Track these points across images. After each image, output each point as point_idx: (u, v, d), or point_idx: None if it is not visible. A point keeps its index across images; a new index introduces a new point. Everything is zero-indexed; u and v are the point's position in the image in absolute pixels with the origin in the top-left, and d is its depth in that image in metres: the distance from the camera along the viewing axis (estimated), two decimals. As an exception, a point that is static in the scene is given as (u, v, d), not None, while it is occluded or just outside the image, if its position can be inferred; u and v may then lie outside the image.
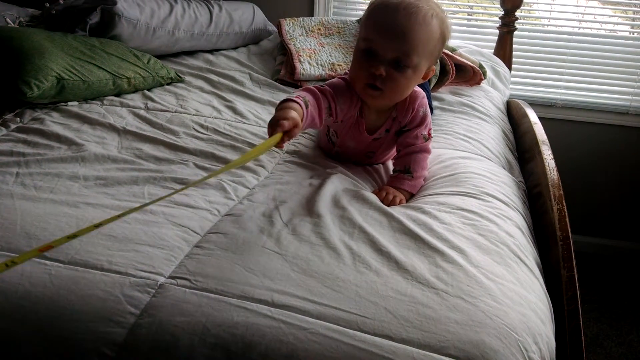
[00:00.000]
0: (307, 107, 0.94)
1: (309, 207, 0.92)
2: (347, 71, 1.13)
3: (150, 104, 1.41)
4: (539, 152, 1.26)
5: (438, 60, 1.59)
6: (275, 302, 0.68)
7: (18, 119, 1.27)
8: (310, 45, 1.76)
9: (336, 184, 1.01)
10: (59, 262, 0.73)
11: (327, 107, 1.03)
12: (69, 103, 1.37)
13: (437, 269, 0.77)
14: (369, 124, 1.10)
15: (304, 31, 1.85)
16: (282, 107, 0.92)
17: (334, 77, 1.15)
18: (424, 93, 1.11)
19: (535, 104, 2.23)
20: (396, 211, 0.93)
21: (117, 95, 1.47)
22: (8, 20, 1.58)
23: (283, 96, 1.52)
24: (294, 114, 0.88)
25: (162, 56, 1.76)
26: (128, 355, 0.64)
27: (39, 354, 0.65)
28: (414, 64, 0.99)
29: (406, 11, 0.97)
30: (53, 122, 1.24)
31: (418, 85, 1.28)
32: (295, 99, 0.93)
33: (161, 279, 0.72)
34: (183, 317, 0.66)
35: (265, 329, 0.65)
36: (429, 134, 1.11)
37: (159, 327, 0.65)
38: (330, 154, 1.18)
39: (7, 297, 0.68)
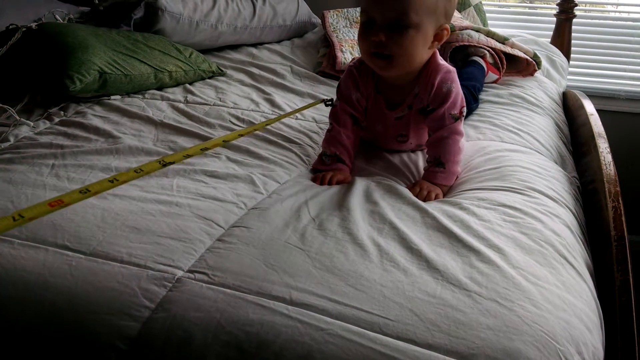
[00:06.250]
0: (348, 159, 1.05)
1: (339, 202, 0.88)
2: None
3: (190, 97, 1.41)
4: (595, 146, 1.17)
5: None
6: (293, 300, 0.65)
7: (62, 113, 1.30)
8: (353, 35, 1.72)
9: (369, 178, 0.97)
10: (81, 253, 0.73)
11: (353, 120, 1.07)
12: (112, 97, 1.39)
13: (471, 269, 0.72)
14: (389, 100, 1.06)
15: (348, 22, 1.81)
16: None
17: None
18: (452, 69, 1.04)
19: (596, 95, 2.10)
20: (432, 207, 0.88)
21: (159, 88, 1.48)
22: (57, 16, 1.63)
23: (323, 89, 1.50)
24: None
25: (206, 50, 1.77)
26: (141, 349, 0.63)
27: (56, 345, 0.64)
28: (414, 22, 0.94)
29: None
30: (94, 116, 1.26)
31: (472, 72, 1.21)
32: (337, 167, 1.03)
33: (179, 273, 0.70)
34: (198, 312, 0.64)
35: (280, 327, 0.62)
36: (461, 113, 1.04)
37: (173, 322, 0.63)
38: (367, 140, 1.15)
39: (28, 286, 0.68)
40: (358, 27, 1.78)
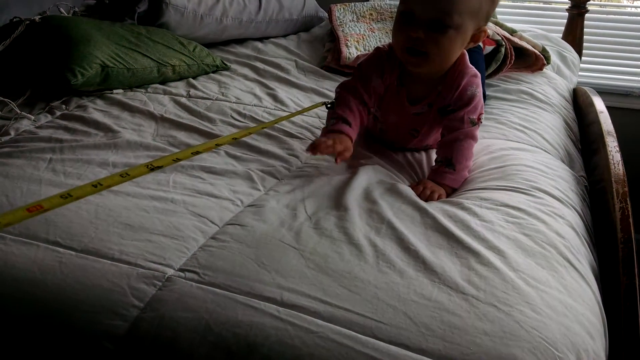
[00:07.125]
0: (354, 123, 0.99)
1: (337, 200, 0.86)
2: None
3: (192, 91, 1.39)
4: (604, 144, 1.13)
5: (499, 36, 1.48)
6: (284, 301, 0.63)
7: (64, 106, 1.29)
8: (359, 30, 1.70)
9: (370, 175, 0.95)
10: (72, 249, 0.72)
11: (363, 103, 1.03)
12: (115, 91, 1.38)
13: (469, 271, 0.69)
14: (412, 94, 1.03)
15: (355, 16, 1.78)
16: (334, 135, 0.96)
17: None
18: (478, 74, 1.02)
19: (608, 92, 2.05)
20: (432, 207, 0.85)
21: (162, 83, 1.47)
22: (62, 10, 1.62)
23: (327, 84, 1.48)
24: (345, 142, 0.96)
25: (211, 44, 1.75)
26: (128, 349, 0.61)
27: (42, 342, 0.64)
28: (455, 23, 0.91)
29: None
30: (95, 110, 1.25)
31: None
32: (341, 129, 0.97)
33: (170, 272, 0.69)
34: (186, 312, 0.63)
35: (270, 330, 0.60)
36: (479, 119, 1.01)
37: (161, 322, 0.62)
38: (375, 132, 1.12)
39: (17, 283, 0.67)
40: (364, 21, 1.77)
